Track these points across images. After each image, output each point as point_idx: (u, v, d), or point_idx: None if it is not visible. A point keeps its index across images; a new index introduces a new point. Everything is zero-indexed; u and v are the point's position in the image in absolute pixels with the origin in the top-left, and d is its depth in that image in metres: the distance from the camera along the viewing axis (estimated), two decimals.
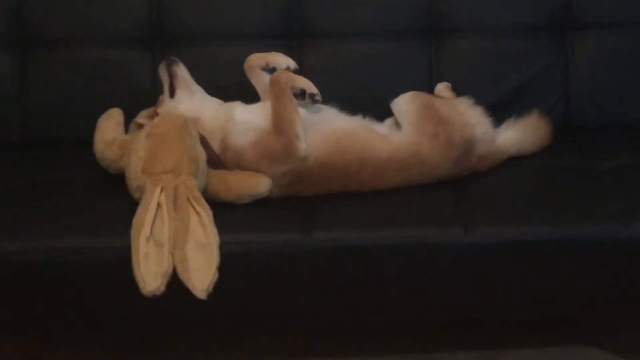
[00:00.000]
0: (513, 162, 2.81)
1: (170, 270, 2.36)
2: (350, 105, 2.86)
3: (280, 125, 2.59)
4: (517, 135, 2.85)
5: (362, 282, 2.52)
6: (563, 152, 2.87)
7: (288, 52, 2.93)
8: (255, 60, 2.77)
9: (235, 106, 2.71)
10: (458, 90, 2.98)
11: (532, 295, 2.59)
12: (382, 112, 2.82)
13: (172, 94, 2.76)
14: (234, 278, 2.41)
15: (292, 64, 2.76)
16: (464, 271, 2.51)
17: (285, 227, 2.49)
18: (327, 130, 2.66)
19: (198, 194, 2.46)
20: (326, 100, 2.76)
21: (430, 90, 2.99)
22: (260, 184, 2.57)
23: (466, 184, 2.69)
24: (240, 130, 2.63)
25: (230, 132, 2.63)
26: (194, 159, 2.51)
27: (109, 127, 2.75)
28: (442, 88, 2.99)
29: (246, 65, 2.78)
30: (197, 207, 2.43)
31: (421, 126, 2.70)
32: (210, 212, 2.44)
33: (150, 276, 2.35)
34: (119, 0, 3.02)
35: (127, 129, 2.80)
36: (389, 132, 2.72)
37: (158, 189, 2.44)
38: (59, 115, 3.01)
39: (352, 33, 3.05)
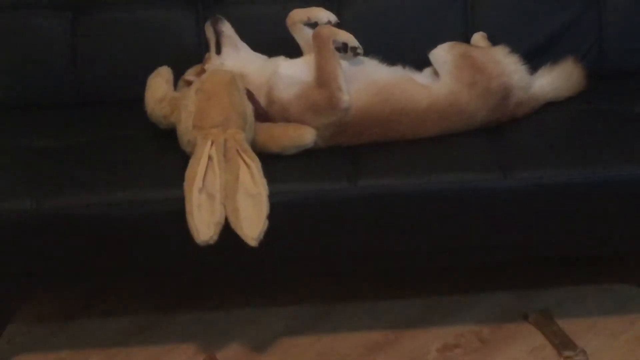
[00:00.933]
0: (549, 108, 2.79)
1: (222, 220, 2.39)
2: (389, 56, 2.85)
3: (323, 78, 2.58)
4: (552, 81, 2.82)
5: (406, 227, 2.54)
6: (598, 96, 2.84)
7: (328, 6, 2.92)
8: (298, 15, 2.75)
9: (280, 61, 2.71)
10: (493, 40, 2.94)
11: (567, 235, 2.59)
12: (420, 62, 2.79)
13: (218, 51, 2.76)
14: (283, 226, 2.44)
15: (333, 18, 2.73)
16: (503, 214, 2.52)
17: (331, 176, 2.51)
18: (368, 81, 2.65)
19: (246, 146, 2.47)
20: (368, 52, 2.75)
21: (466, 40, 2.95)
22: (305, 135, 2.57)
23: (504, 130, 2.68)
24: (285, 84, 2.63)
25: (275, 86, 2.63)
26: (242, 113, 2.52)
27: (159, 84, 2.76)
28: (479, 38, 2.95)
29: (289, 21, 2.76)
30: (246, 158, 2.45)
31: (459, 75, 2.68)
32: (259, 163, 2.46)
33: (203, 226, 2.38)
34: None
35: (175, 86, 2.80)
36: (428, 82, 2.71)
37: (208, 143, 2.46)
38: (110, 75, 3.01)
39: None
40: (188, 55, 2.91)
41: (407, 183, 2.48)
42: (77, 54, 3.00)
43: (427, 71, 2.78)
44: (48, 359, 2.73)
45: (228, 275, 2.79)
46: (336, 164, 2.54)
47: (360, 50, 2.65)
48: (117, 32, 3.00)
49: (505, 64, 2.74)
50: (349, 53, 2.64)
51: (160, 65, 2.86)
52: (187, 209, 2.38)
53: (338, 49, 2.62)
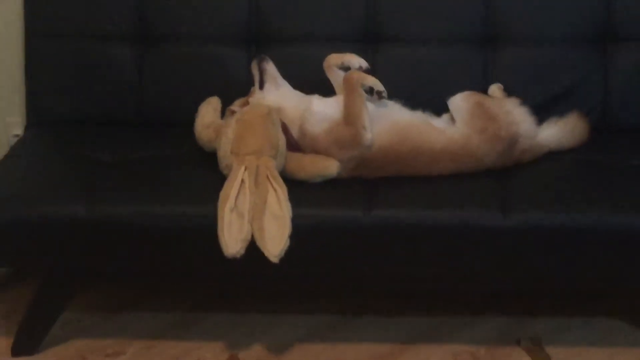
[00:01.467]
0: (552, 156, 2.72)
1: (249, 237, 2.36)
2: (413, 101, 2.80)
3: (350, 117, 2.54)
4: (557, 132, 2.75)
5: (412, 255, 2.48)
6: (598, 149, 2.76)
7: (363, 54, 2.86)
8: (333, 59, 2.72)
9: (313, 98, 2.67)
10: (508, 91, 2.87)
11: (560, 272, 2.51)
12: (441, 108, 2.73)
13: (261, 86, 2.73)
14: (304, 246, 2.39)
15: (364, 64, 2.70)
16: (502, 251, 2.44)
17: (348, 205, 2.46)
18: (390, 122, 2.61)
19: (276, 173, 2.45)
20: (392, 96, 2.70)
21: (484, 90, 2.88)
22: (330, 167, 2.53)
23: (509, 173, 2.61)
24: (316, 119, 2.59)
25: (307, 121, 2.60)
26: (274, 144, 2.50)
27: (208, 112, 2.75)
28: (495, 89, 2.88)
29: (325, 64, 2.73)
30: (274, 184, 2.42)
31: (472, 122, 2.63)
32: (285, 189, 2.42)
33: (232, 241, 2.35)
34: (222, 5, 2.95)
35: (223, 115, 2.76)
36: (444, 126, 2.66)
37: (242, 168, 2.43)
38: (169, 100, 2.98)
39: (417, 39, 2.95)
40: (237, 88, 2.84)
41: (416, 216, 2.43)
42: (143, 79, 2.97)
43: (445, 117, 2.73)
44: (94, 345, 2.71)
45: (257, 282, 2.73)
46: (354, 194, 2.50)
47: (385, 94, 2.61)
48: (179, 63, 2.97)
49: (515, 114, 2.68)
50: (375, 96, 2.60)
51: (213, 94, 2.84)
52: (219, 225, 2.36)
53: (366, 92, 2.58)
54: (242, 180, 2.41)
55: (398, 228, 2.43)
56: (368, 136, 2.53)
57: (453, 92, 2.78)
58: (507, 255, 2.45)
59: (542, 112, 2.83)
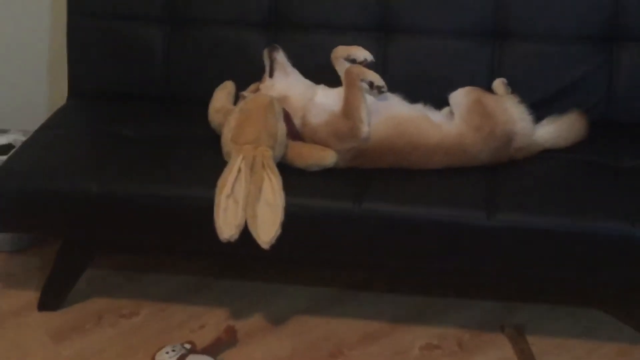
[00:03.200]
0: (547, 154, 2.41)
1: (242, 222, 2.17)
2: (421, 92, 2.54)
3: (348, 110, 2.30)
4: (554, 131, 2.44)
5: (399, 247, 2.25)
6: (594, 148, 2.44)
7: (376, 43, 2.63)
8: (340, 51, 2.46)
9: (318, 89, 2.43)
10: (513, 86, 2.56)
11: (545, 273, 2.26)
12: (444, 100, 2.46)
13: (271, 74, 2.49)
14: (295, 234, 2.19)
15: (370, 57, 2.43)
16: (486, 249, 2.19)
17: (340, 197, 2.23)
18: (388, 115, 2.35)
19: (272, 163, 2.23)
20: (399, 86, 2.46)
21: (489, 83, 2.59)
22: (327, 157, 2.31)
23: (501, 171, 2.33)
24: (317, 110, 2.36)
25: (309, 111, 2.37)
26: (272, 134, 2.28)
27: (221, 96, 2.53)
28: (498, 83, 2.57)
29: (332, 55, 2.47)
30: (269, 174, 2.21)
31: (469, 118, 2.35)
32: (280, 179, 2.22)
33: (227, 226, 2.17)
34: None
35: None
36: (442, 120, 2.39)
37: (240, 156, 2.23)
38: (193, 79, 2.75)
39: (428, 31, 2.63)
40: (256, 71, 2.58)
41: (403, 211, 2.19)
42: (170, 59, 2.76)
43: (445, 110, 2.46)
44: (112, 305, 2.57)
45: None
46: (347, 186, 2.26)
47: (384, 89, 2.35)
48: (202, 45, 2.74)
49: (512, 112, 2.39)
50: (375, 90, 2.34)
51: (233, 76, 2.62)
52: (215, 211, 2.18)
53: (368, 86, 2.34)
54: (240, 169, 2.21)
55: (386, 221, 2.19)
56: (365, 129, 2.29)
57: (459, 84, 2.51)
58: (492, 253, 2.19)
59: (545, 107, 2.55)
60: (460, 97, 2.40)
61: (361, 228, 2.21)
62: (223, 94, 2.53)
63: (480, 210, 2.15)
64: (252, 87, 2.53)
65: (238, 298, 2.61)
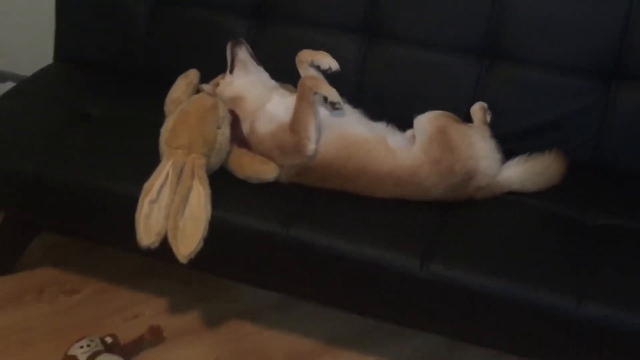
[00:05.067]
0: (509, 198, 1.92)
1: (163, 232, 1.81)
2: (392, 103, 2.13)
3: (296, 124, 1.88)
4: (523, 174, 1.94)
5: (322, 278, 1.86)
6: (565, 196, 1.93)
7: (357, 46, 2.19)
8: (305, 56, 2.01)
9: (273, 95, 1.99)
10: (494, 111, 2.10)
11: (474, 332, 1.84)
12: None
13: (231, 70, 2.07)
14: (216, 247, 1.83)
15: (335, 65, 1.97)
16: (416, 298, 1.77)
17: (269, 218, 1.83)
18: (340, 134, 1.91)
19: (202, 173, 1.85)
20: (373, 93, 2.09)
21: (470, 104, 2.11)
22: (267, 171, 1.90)
23: (451, 211, 1.87)
24: (266, 119, 1.94)
25: (258, 118, 1.95)
26: (208, 141, 1.88)
27: (181, 85, 2.11)
28: (477, 108, 2.08)
29: (297, 59, 2.02)
30: (198, 184, 1.83)
31: (429, 149, 1.89)
32: (209, 191, 1.84)
33: (146, 234, 1.81)
34: None
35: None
36: (399, 146, 1.92)
37: (170, 162, 1.85)
38: (173, 58, 2.33)
39: (414, 41, 2.15)
40: None
41: (330, 245, 1.78)
42: (151, 33, 2.36)
43: (409, 133, 2.00)
44: (57, 278, 2.28)
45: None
46: (280, 207, 1.86)
47: (339, 106, 1.90)
48: (185, 24, 2.33)
49: (478, 148, 1.91)
50: (328, 105, 1.91)
51: (211, 62, 2.17)
52: (137, 215, 1.82)
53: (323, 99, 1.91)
54: (167, 174, 1.85)
55: (311, 252, 1.80)
56: (311, 147, 1.87)
57: (438, 101, 2.07)
58: (423, 304, 1.77)
59: (525, 139, 2.08)
60: (424, 123, 1.93)
61: (286, 254, 1.82)
62: (183, 82, 2.11)
63: (414, 258, 1.73)
64: (215, 80, 2.12)
65: (181, 291, 2.28)
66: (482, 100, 2.11)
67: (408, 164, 1.88)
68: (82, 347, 1.97)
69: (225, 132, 1.92)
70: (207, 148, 1.87)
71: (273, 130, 1.91)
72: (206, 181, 1.84)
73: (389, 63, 2.20)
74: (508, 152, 2.00)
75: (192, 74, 2.16)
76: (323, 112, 1.91)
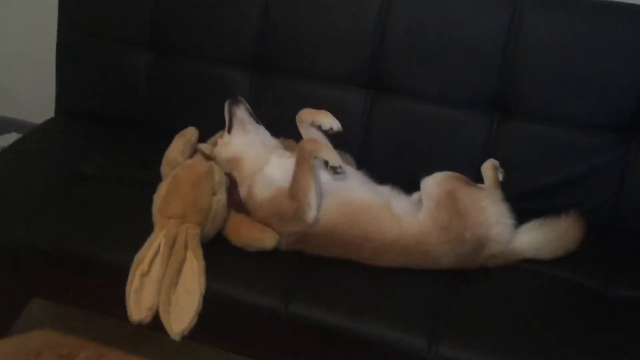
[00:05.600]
0: (525, 266, 1.75)
1: (155, 307, 1.66)
2: (398, 161, 1.98)
3: (295, 190, 1.73)
4: (539, 240, 1.77)
5: (323, 357, 1.69)
6: (586, 263, 1.76)
7: (362, 100, 2.04)
8: (305, 115, 1.87)
9: (272, 157, 1.85)
10: (507, 169, 1.94)
11: None
12: (429, 172, 1.84)
13: (229, 130, 1.93)
14: (214, 321, 1.68)
15: (336, 125, 1.83)
16: None
17: (268, 293, 1.67)
18: (342, 200, 1.76)
19: (196, 244, 1.70)
20: (379, 150, 1.96)
21: (481, 161, 1.94)
22: (266, 240, 1.75)
23: (462, 283, 1.70)
24: (264, 183, 1.79)
25: (256, 182, 1.80)
26: (203, 210, 1.73)
27: (177, 145, 1.98)
28: (488, 166, 1.92)
29: (297, 118, 1.88)
30: (191, 256, 1.68)
31: (437, 214, 1.73)
32: (203, 264, 1.68)
33: (137, 308, 1.67)
34: (230, 28, 2.12)
35: None
36: (405, 212, 1.76)
37: (162, 232, 1.70)
38: (173, 110, 2.22)
39: (422, 95, 2.00)
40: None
41: (332, 320, 1.61)
42: (152, 86, 2.24)
43: (416, 196, 1.84)
44: (54, 341, 2.13)
45: None
46: (280, 280, 1.70)
47: (340, 170, 1.75)
48: (185, 76, 2.20)
49: (490, 214, 1.74)
50: (330, 170, 1.76)
51: (214, 115, 1.98)
52: (127, 288, 1.67)
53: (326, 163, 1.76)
54: (159, 245, 1.70)
55: (312, 329, 1.63)
56: (311, 214, 1.72)
57: (446, 159, 1.93)
58: None
59: (540, 198, 1.93)
60: (432, 186, 1.77)
61: (285, 330, 1.66)
62: (180, 142, 1.98)
63: (421, 338, 1.56)
64: (213, 139, 1.99)
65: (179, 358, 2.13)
66: (495, 157, 1.95)
67: (414, 232, 1.72)
68: None
69: (221, 198, 1.77)
70: (201, 217, 1.72)
71: (271, 196, 1.76)
72: (200, 252, 1.69)
73: (395, 118, 2.05)
74: (522, 212, 1.84)
75: (190, 133, 2.03)
76: (324, 176, 1.77)
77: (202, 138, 2.07)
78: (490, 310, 1.64)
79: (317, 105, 1.94)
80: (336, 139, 1.92)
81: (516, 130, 1.95)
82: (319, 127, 1.84)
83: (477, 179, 1.93)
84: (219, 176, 1.78)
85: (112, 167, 2.09)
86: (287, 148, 1.95)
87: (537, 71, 1.90)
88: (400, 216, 1.75)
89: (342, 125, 1.88)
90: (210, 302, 1.66)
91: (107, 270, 1.76)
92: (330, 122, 1.83)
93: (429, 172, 1.84)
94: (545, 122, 1.92)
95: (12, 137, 2.66)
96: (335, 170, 1.74)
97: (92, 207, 1.92)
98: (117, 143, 2.24)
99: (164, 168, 1.94)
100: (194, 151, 1.99)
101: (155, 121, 2.29)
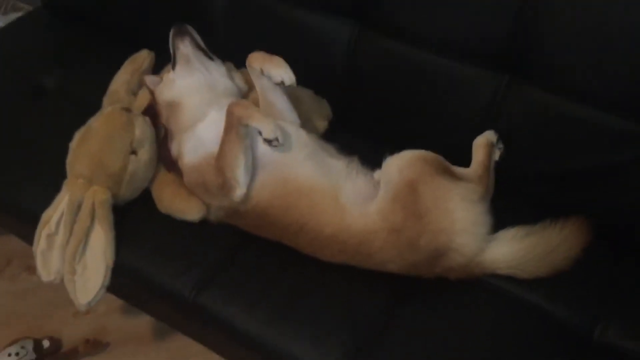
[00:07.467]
0: (493, 282, 1.28)
1: (62, 272, 1.37)
2: (383, 112, 1.51)
3: (222, 162, 1.30)
4: (518, 255, 1.27)
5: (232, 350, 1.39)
6: (575, 287, 1.27)
7: (348, 33, 1.50)
8: (254, 61, 1.35)
9: (210, 111, 1.38)
10: (510, 142, 1.39)
11: None
12: (409, 130, 1.45)
13: (174, 66, 1.47)
14: (129, 295, 1.40)
15: (289, 79, 1.31)
16: None
17: (180, 278, 1.33)
18: (279, 177, 1.32)
19: (104, 212, 1.35)
20: (363, 95, 1.49)
21: (478, 127, 1.40)
22: (189, 212, 1.38)
23: (410, 297, 1.28)
24: (192, 146, 1.37)
25: (184, 143, 1.38)
26: (113, 174, 1.36)
27: (124, 74, 1.56)
28: (482, 142, 1.38)
29: (247, 63, 1.37)
30: (99, 226, 1.35)
31: (390, 210, 1.27)
32: (111, 235, 1.36)
33: (46, 270, 1.39)
34: None
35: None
36: (352, 202, 1.31)
37: (67, 196, 1.36)
38: (143, 18, 1.75)
39: (419, 38, 1.42)
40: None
41: (240, 326, 1.27)
42: None
43: (378, 175, 1.37)
44: (23, 250, 1.81)
45: None
46: (198, 263, 1.35)
47: (276, 143, 1.28)
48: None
49: (456, 219, 1.26)
50: (265, 142, 1.31)
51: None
52: (34, 248, 1.38)
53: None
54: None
55: (216, 325, 1.31)
56: (238, 192, 1.30)
57: (443, 115, 1.42)
58: None
59: (546, 186, 1.40)
60: (393, 172, 1.29)
61: (191, 321, 1.36)
62: (128, 70, 1.56)
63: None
64: (165, 69, 1.54)
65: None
66: (497, 127, 1.41)
67: (358, 229, 1.29)
68: (10, 354, 1.66)
69: (143, 156, 1.38)
70: (111, 181, 1.36)
71: (197, 163, 1.35)
72: (109, 221, 1.35)
73: (386, 58, 1.49)
74: (516, 202, 1.35)
75: (142, 58, 1.60)
76: (262, 147, 1.32)
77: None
78: (436, 339, 1.22)
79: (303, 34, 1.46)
80: (316, 79, 1.46)
81: (528, 98, 1.37)
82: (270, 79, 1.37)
83: (469, 151, 1.42)
84: (141, 131, 1.38)
85: (73, 85, 1.70)
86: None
87: (567, 27, 1.29)
88: (346, 207, 1.30)
89: (323, 61, 1.41)
90: (122, 276, 1.36)
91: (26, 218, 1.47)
92: (282, 73, 1.32)
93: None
94: (568, 93, 1.33)
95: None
96: (270, 143, 1.29)
97: (29, 138, 1.58)
98: (89, 51, 1.82)
99: (105, 100, 1.54)
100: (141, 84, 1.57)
101: (138, 27, 1.82)
